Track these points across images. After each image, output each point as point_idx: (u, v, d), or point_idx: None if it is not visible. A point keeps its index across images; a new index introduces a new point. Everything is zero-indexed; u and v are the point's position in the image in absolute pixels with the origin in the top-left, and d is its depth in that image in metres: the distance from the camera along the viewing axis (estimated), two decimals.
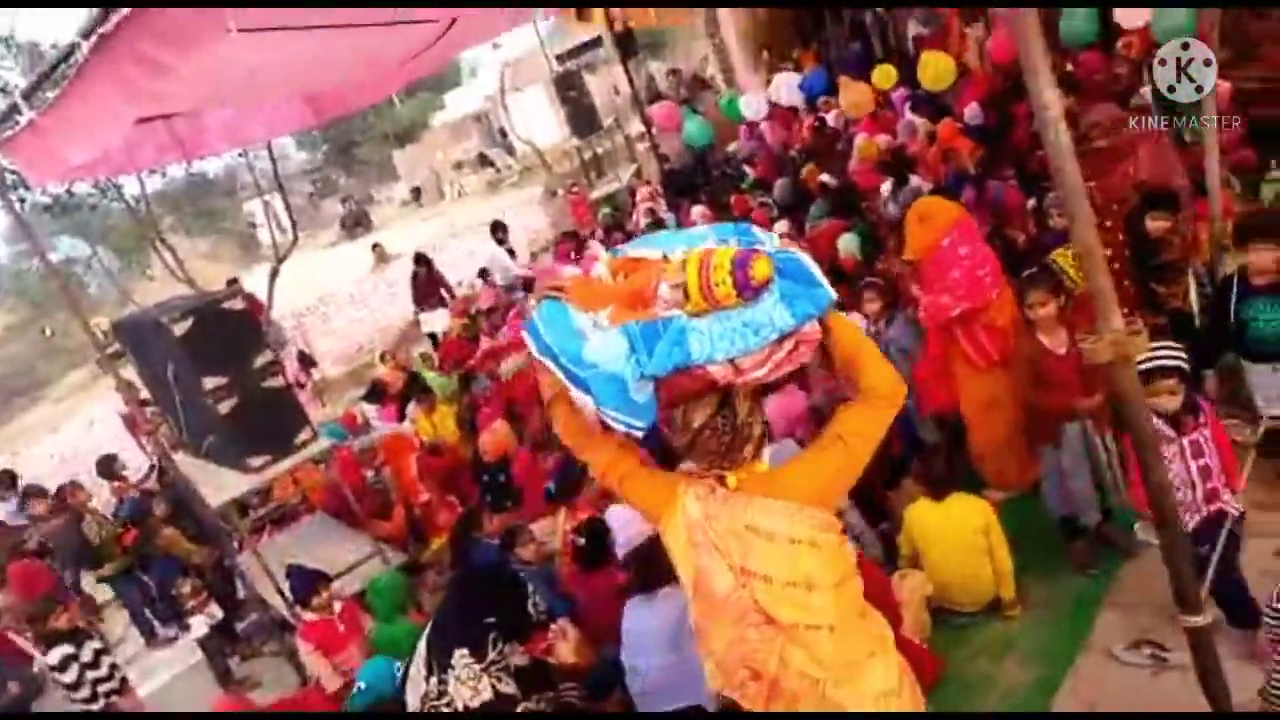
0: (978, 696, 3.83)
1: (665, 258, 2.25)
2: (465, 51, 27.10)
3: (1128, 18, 7.75)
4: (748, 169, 11.55)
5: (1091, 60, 8.34)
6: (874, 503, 4.65)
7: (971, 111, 8.42)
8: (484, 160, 26.26)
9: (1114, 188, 5.38)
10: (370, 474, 6.75)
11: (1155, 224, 4.79)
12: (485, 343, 9.57)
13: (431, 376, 9.31)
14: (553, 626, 3.42)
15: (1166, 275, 4.79)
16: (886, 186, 7.63)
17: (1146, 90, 6.97)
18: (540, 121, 23.03)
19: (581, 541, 4.30)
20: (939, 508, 4.08)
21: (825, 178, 9.05)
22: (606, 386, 2.09)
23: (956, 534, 4.02)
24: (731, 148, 12.91)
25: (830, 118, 10.53)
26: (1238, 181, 5.57)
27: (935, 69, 8.66)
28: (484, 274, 12.06)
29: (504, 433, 6.58)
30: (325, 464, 6.24)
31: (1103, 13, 8.33)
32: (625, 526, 4.50)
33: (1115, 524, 4.28)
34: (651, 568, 3.74)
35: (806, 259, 2.28)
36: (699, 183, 12.04)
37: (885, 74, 9.43)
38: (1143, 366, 3.33)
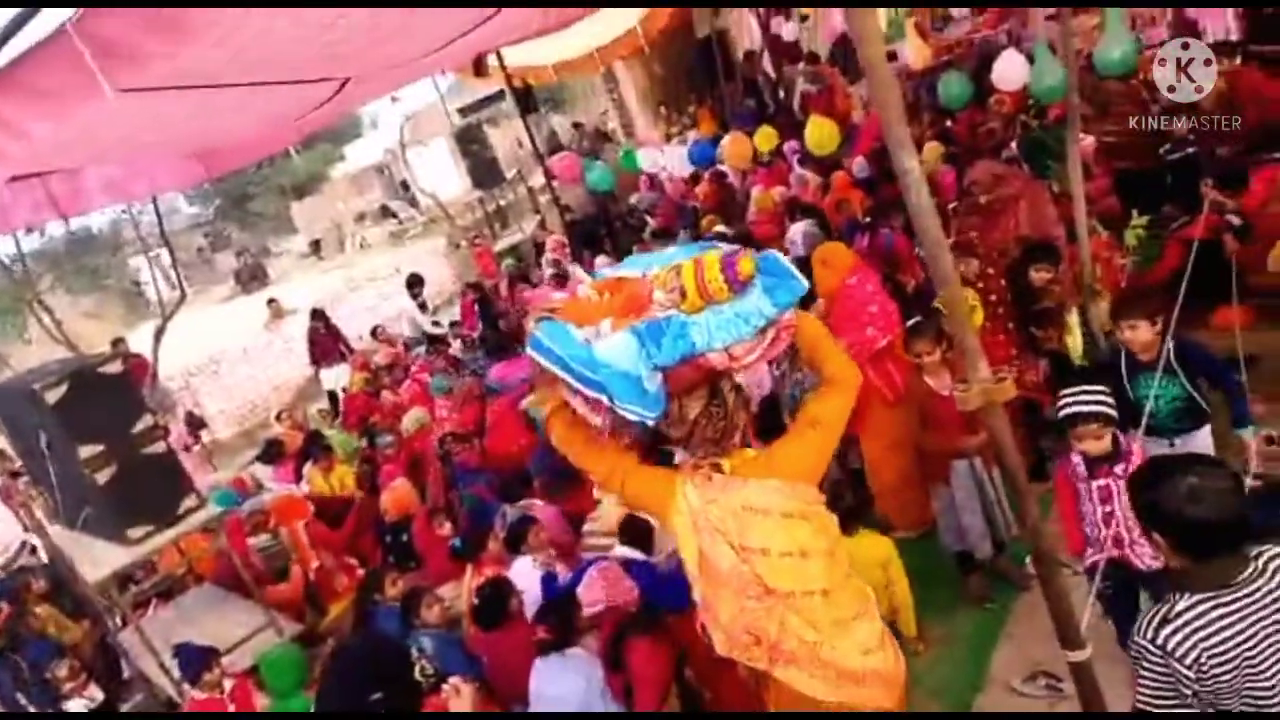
0: None
1: (644, 275, 2.52)
2: (367, 105, 26.89)
3: (1005, 81, 8.27)
4: (649, 219, 11.74)
5: (967, 119, 8.84)
6: None
7: (858, 165, 8.78)
8: (386, 212, 25.93)
9: (997, 240, 5.66)
10: (262, 539, 6.45)
11: (1039, 275, 5.03)
12: (388, 398, 9.38)
13: (333, 433, 9.04)
14: (444, 687, 3.33)
15: (1045, 320, 5.03)
16: (799, 228, 7.83)
17: (1014, 145, 7.46)
18: (443, 174, 22.95)
19: (478, 601, 4.23)
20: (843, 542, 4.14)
21: (722, 228, 9.26)
22: (621, 383, 2.31)
23: (858, 568, 4.08)
24: (634, 199, 13.13)
25: (729, 171, 10.82)
26: (1104, 229, 5.94)
27: (820, 134, 8.99)
28: (375, 332, 11.86)
29: (405, 491, 6.42)
30: (215, 532, 5.95)
31: (976, 76, 8.87)
32: (533, 584, 4.45)
33: (1007, 558, 4.44)
34: (565, 623, 3.69)
35: (781, 256, 2.55)
36: (601, 233, 12.17)
37: (766, 136, 9.76)
38: (1064, 412, 3.36)
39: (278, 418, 9.70)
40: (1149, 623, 2.04)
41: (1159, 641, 2.01)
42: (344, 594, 6.35)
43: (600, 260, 10.60)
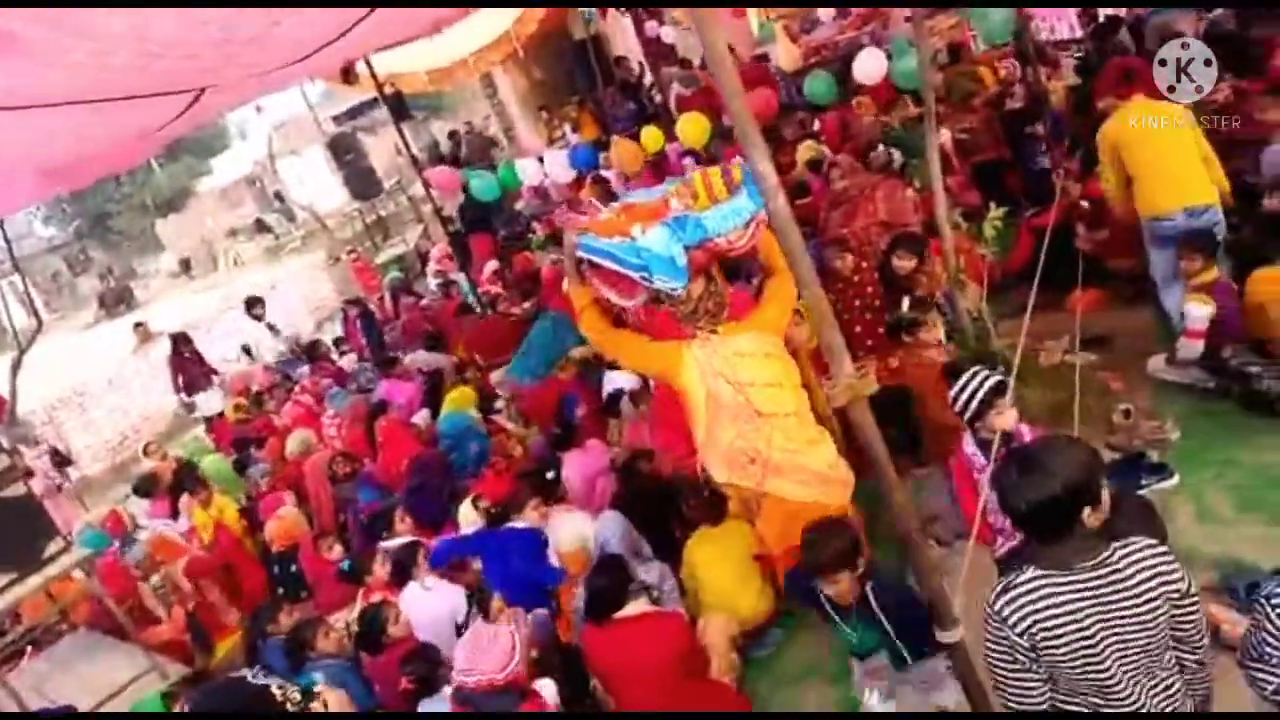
0: None
1: (653, 199, 3.42)
2: (232, 114, 25.81)
3: (866, 75, 8.56)
4: (535, 225, 11.66)
5: (834, 118, 9.09)
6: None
7: (737, 163, 8.91)
8: (261, 226, 24.93)
9: (859, 228, 5.84)
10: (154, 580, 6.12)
11: (901, 263, 5.17)
12: (277, 421, 9.02)
13: (210, 460, 8.63)
14: (313, 703, 3.27)
15: (918, 311, 5.13)
16: None
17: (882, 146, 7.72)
18: (320, 184, 22.25)
19: (358, 627, 4.16)
20: (714, 533, 4.25)
21: None
22: (659, 261, 3.16)
23: (730, 554, 4.18)
24: (519, 205, 13.01)
25: (611, 175, 10.79)
26: (964, 222, 6.20)
27: (692, 129, 9.09)
28: (248, 350, 11.38)
29: (292, 518, 6.18)
30: (87, 575, 5.59)
31: (842, 76, 9.17)
32: (424, 609, 4.37)
33: None
34: (433, 668, 3.64)
35: None
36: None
37: (653, 136, 9.81)
38: (982, 392, 3.31)
39: (145, 451, 9.14)
40: (992, 591, 2.17)
41: (996, 608, 2.13)
42: (233, 630, 6.09)
43: (489, 268, 10.47)
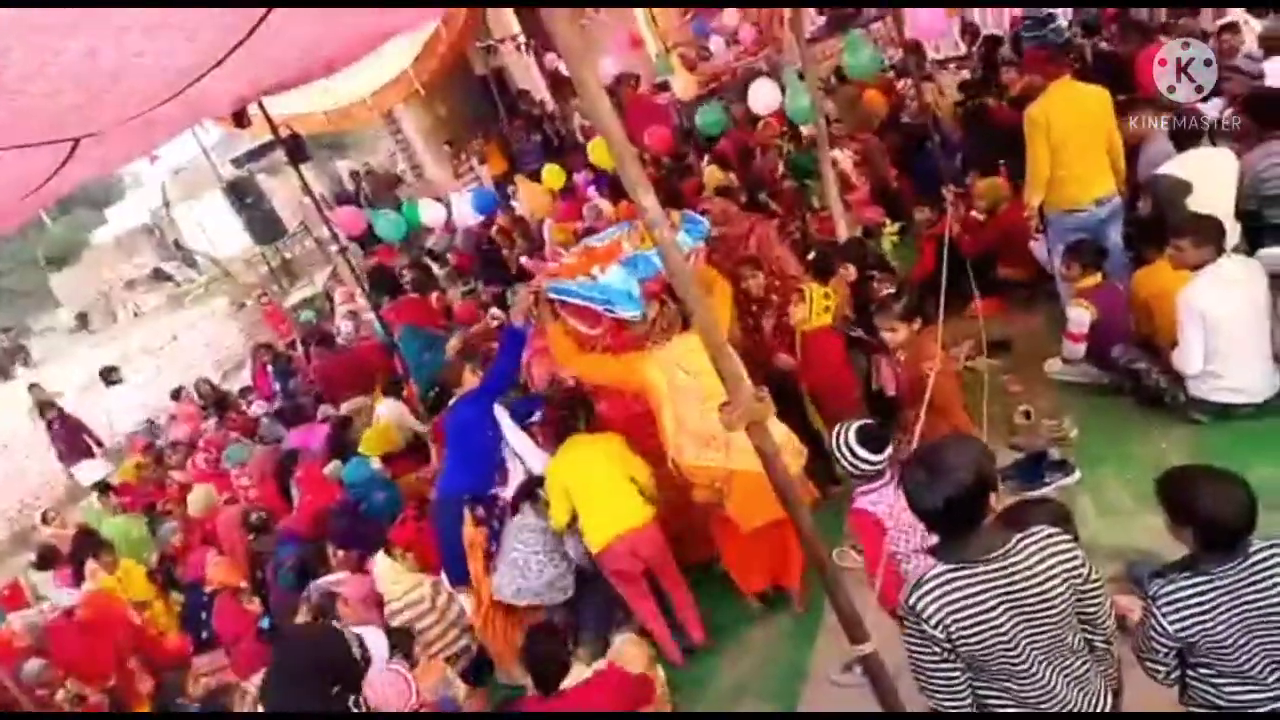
0: None
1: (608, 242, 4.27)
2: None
3: (760, 105, 8.75)
4: (446, 260, 11.54)
5: (729, 145, 9.26)
6: None
7: None
8: (160, 275, 24.05)
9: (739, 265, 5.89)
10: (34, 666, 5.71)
11: (844, 271, 5.09)
12: (180, 476, 8.65)
13: (113, 524, 8.21)
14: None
15: (883, 313, 4.81)
16: None
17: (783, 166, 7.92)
18: (222, 230, 21.59)
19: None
20: (584, 439, 4.35)
21: (525, 260, 9.24)
22: (619, 295, 3.89)
23: (598, 466, 4.20)
24: (430, 241, 12.86)
25: (520, 206, 10.75)
26: (868, 238, 6.38)
27: (602, 153, 9.16)
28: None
29: (226, 561, 5.95)
30: None
31: (742, 98, 9.36)
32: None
33: None
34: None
35: (693, 214, 4.65)
36: (400, 278, 11.82)
37: (554, 174, 9.81)
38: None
39: (44, 519, 8.63)
40: (908, 588, 2.23)
41: (910, 602, 2.19)
42: (150, 699, 5.79)
43: None
